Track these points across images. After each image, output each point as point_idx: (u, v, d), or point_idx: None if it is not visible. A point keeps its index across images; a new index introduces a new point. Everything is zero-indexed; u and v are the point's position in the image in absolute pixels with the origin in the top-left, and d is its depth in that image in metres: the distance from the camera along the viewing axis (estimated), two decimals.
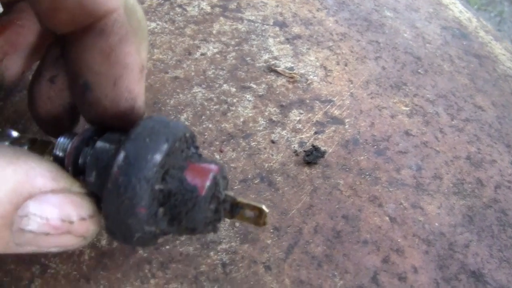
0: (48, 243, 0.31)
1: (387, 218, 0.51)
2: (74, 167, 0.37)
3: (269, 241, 0.48)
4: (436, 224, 0.52)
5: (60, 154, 0.38)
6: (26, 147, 0.42)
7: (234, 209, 0.38)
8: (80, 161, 0.37)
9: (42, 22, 0.35)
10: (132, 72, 0.37)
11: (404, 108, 0.63)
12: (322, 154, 0.53)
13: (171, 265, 0.45)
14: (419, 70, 0.70)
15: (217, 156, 0.51)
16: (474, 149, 0.62)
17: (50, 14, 0.34)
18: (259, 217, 0.38)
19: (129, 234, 0.33)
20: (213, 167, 0.35)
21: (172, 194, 0.33)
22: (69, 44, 0.37)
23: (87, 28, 0.35)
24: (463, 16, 0.88)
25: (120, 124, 0.39)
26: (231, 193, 0.37)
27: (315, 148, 0.53)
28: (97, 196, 0.34)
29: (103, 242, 0.46)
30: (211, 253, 0.46)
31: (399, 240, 0.50)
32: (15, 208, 0.29)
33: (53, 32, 0.36)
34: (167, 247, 0.46)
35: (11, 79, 0.44)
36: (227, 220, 0.48)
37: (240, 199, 0.37)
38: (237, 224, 0.48)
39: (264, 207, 0.37)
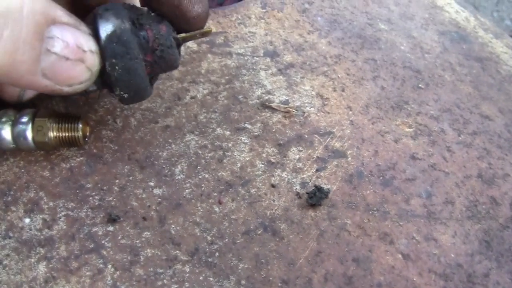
0: (65, 72, 0.37)
1: (399, 255, 0.49)
2: None
3: None
4: (452, 255, 0.50)
5: None
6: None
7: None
8: None
9: None
10: None
11: (408, 130, 0.60)
12: (326, 194, 0.50)
13: None
14: (419, 85, 0.67)
15: (217, 209, 0.49)
16: (485, 165, 0.59)
17: None
18: (205, 34, 0.47)
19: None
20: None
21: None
22: None
23: None
24: (460, 17, 0.85)
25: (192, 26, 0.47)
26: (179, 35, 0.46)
27: (318, 189, 0.50)
28: None
29: None
30: None
31: (414, 279, 0.48)
32: (46, 23, 0.35)
33: None
34: None
35: (29, 97, 0.51)
36: (232, 278, 0.46)
37: (184, 34, 0.46)
38: (243, 281, 0.46)
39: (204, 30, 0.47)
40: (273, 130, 0.56)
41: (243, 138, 0.55)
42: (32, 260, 0.46)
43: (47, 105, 0.52)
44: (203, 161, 0.52)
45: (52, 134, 0.48)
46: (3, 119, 0.47)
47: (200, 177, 0.51)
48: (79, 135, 0.48)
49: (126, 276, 0.45)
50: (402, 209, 0.52)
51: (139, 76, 0.43)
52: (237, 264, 0.47)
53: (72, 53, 0.37)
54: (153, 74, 0.46)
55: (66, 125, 0.48)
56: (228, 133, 0.55)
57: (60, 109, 0.53)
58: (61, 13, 0.36)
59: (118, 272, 0.45)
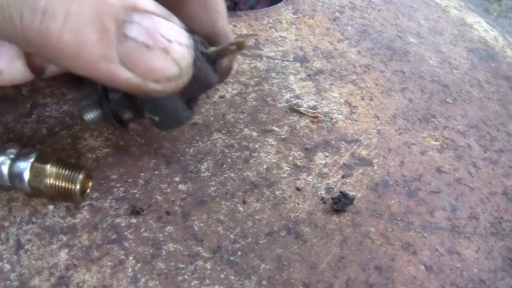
0: (146, 62, 0.34)
1: (422, 266, 0.48)
2: None
3: None
4: (475, 270, 0.49)
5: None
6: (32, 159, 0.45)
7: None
8: None
9: None
10: (224, 16, 0.46)
11: (434, 143, 0.60)
12: (351, 200, 0.50)
13: None
14: (447, 99, 0.67)
15: (241, 208, 0.49)
16: (510, 183, 0.59)
17: None
18: (240, 47, 0.42)
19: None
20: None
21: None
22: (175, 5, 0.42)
23: None
24: (488, 36, 0.85)
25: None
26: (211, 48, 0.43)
27: (343, 195, 0.50)
28: None
29: None
30: None
31: None
32: (123, 7, 0.32)
33: None
34: None
35: (52, 71, 0.48)
36: (253, 278, 0.45)
37: (216, 48, 0.42)
38: (264, 282, 0.45)
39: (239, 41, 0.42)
40: (300, 134, 0.56)
41: (270, 140, 0.55)
42: (54, 246, 0.46)
43: (55, 146, 0.50)
44: (229, 160, 0.52)
45: (48, 182, 0.45)
46: (6, 154, 0.45)
47: (225, 175, 0.51)
48: (76, 188, 0.45)
49: (147, 269, 0.45)
50: (426, 220, 0.52)
51: (166, 101, 0.41)
52: (259, 264, 0.46)
53: (153, 40, 0.33)
54: (188, 95, 0.43)
55: (66, 175, 0.45)
56: (255, 134, 0.55)
57: (69, 153, 0.50)
58: (147, 3, 0.34)
59: (139, 265, 0.45)
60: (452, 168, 0.58)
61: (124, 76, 0.34)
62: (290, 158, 0.54)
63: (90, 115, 0.47)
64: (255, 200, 0.50)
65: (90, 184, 0.48)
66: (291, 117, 0.57)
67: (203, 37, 0.43)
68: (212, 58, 0.42)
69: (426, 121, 0.62)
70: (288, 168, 0.53)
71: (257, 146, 0.54)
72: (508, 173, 0.60)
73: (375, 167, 0.55)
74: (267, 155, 0.53)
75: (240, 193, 0.50)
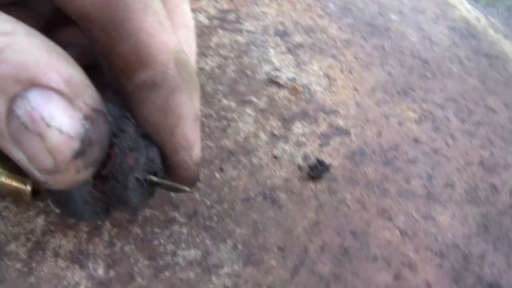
0: (25, 147, 0.28)
1: (397, 231, 0.49)
2: None
3: (273, 262, 0.46)
4: (450, 235, 0.50)
5: None
6: None
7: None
8: None
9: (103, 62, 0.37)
10: (187, 121, 0.39)
11: (412, 115, 0.60)
12: (327, 168, 0.51)
13: None
14: (427, 74, 0.67)
15: (217, 175, 0.49)
16: (487, 154, 0.59)
17: (107, 57, 0.36)
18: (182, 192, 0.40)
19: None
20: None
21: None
22: (128, 100, 0.39)
23: (141, 83, 0.37)
24: (471, 16, 0.85)
25: (181, 173, 0.40)
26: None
27: (320, 162, 0.51)
28: None
29: (100, 271, 0.44)
30: (213, 278, 0.44)
31: (410, 255, 0.48)
32: (18, 80, 0.28)
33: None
34: (167, 273, 0.44)
35: None
36: (229, 242, 0.46)
37: (157, 180, 0.38)
38: (239, 246, 0.46)
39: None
40: (279, 105, 0.56)
41: (248, 110, 0.55)
42: (31, 213, 0.46)
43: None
44: (207, 129, 0.53)
45: None
46: None
47: (203, 144, 0.51)
48: (26, 189, 0.42)
49: (123, 234, 0.46)
50: (402, 188, 0.52)
51: (72, 198, 0.36)
52: (235, 229, 0.47)
53: (31, 122, 0.27)
54: (106, 202, 0.39)
55: (17, 175, 0.42)
56: (233, 104, 0.55)
57: None
58: (53, 75, 0.28)
59: (115, 229, 0.46)
60: (430, 138, 0.58)
61: (16, 156, 0.29)
62: (268, 128, 0.54)
63: None
64: (232, 168, 0.51)
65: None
66: (270, 89, 0.57)
67: (161, 145, 0.39)
68: (144, 185, 0.38)
69: (405, 94, 0.63)
70: (265, 137, 0.53)
71: (235, 116, 0.54)
72: (485, 145, 0.61)
73: (353, 137, 0.55)
74: (245, 124, 0.54)
75: (217, 161, 0.51)
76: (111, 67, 0.37)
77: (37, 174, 0.30)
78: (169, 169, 0.40)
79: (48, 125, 0.27)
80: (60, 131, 0.28)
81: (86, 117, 0.28)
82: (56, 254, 0.44)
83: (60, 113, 0.28)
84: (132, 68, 0.37)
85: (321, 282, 0.45)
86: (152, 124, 0.39)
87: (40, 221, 0.46)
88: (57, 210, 0.39)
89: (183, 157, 0.40)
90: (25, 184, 0.43)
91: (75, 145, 0.28)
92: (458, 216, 0.52)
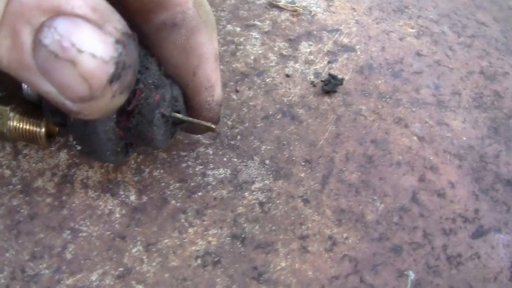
0: (55, 74, 0.27)
1: (415, 137, 0.50)
2: None
3: (302, 174, 0.46)
4: (464, 138, 0.51)
5: None
6: None
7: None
8: None
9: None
10: (208, 61, 0.39)
11: (411, 30, 0.61)
12: (340, 81, 0.51)
13: (207, 211, 0.43)
14: None
15: (234, 96, 0.49)
16: (485, 63, 0.60)
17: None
18: (209, 130, 0.39)
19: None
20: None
21: None
22: (147, 42, 0.38)
23: (161, 24, 0.37)
24: None
25: (203, 114, 0.40)
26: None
27: (332, 77, 0.51)
28: None
29: (132, 197, 0.44)
30: (246, 194, 0.45)
31: (431, 158, 0.49)
32: (40, 9, 0.26)
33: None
34: (199, 193, 0.44)
35: None
36: (256, 159, 0.46)
37: (182, 117, 0.38)
38: (266, 161, 0.46)
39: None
40: (282, 27, 0.56)
41: (253, 34, 0.55)
42: (53, 148, 0.45)
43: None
44: None
45: (11, 124, 0.41)
46: None
47: None
48: (41, 131, 0.42)
49: (149, 160, 0.45)
50: (413, 97, 0.53)
51: (96, 133, 0.36)
52: (260, 146, 0.47)
53: (60, 49, 0.27)
54: (127, 141, 0.39)
55: (30, 118, 0.42)
56: (238, 29, 0.55)
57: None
58: (78, 2, 0.27)
59: (141, 156, 0.45)
60: (431, 51, 0.59)
61: (45, 88, 0.28)
62: (276, 49, 0.54)
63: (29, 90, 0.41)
64: (247, 89, 0.50)
65: (57, 128, 0.44)
66: (271, 12, 0.57)
67: (183, 86, 0.39)
68: (168, 121, 0.38)
69: (401, 12, 0.63)
70: (275, 58, 0.53)
71: (242, 40, 0.54)
72: (482, 55, 0.62)
73: (358, 53, 0.56)
74: (252, 47, 0.54)
75: (232, 83, 0.50)
76: (128, 10, 0.36)
77: (69, 105, 0.29)
78: (190, 110, 0.40)
79: (79, 51, 0.27)
80: (94, 56, 0.27)
81: (118, 41, 0.28)
82: (85, 186, 0.44)
83: (91, 39, 0.27)
84: (150, 9, 0.37)
85: (351, 189, 0.46)
86: (173, 65, 0.39)
87: (63, 155, 0.45)
88: (78, 148, 0.38)
89: (205, 97, 0.40)
90: (39, 126, 0.42)
91: (110, 69, 0.28)
92: (469, 121, 0.53)
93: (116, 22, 0.28)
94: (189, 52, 0.38)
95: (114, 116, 0.36)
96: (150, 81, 0.36)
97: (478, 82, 0.58)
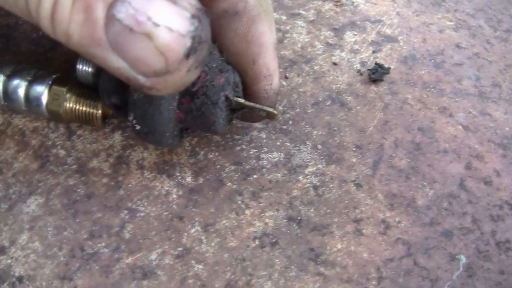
0: (130, 48, 0.27)
1: (460, 126, 0.50)
2: None
3: (354, 160, 0.47)
4: (507, 128, 0.52)
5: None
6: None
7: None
8: None
9: None
10: (268, 50, 0.39)
11: (449, 23, 0.61)
12: (388, 70, 0.51)
13: (262, 194, 0.44)
14: None
15: (284, 83, 0.50)
16: None
17: None
18: (270, 116, 0.39)
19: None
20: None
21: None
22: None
23: (222, 12, 0.38)
24: None
25: (260, 102, 0.41)
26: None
27: (379, 66, 0.51)
28: None
29: (188, 179, 0.44)
30: (300, 177, 0.45)
31: (476, 147, 0.49)
32: None
33: None
34: (255, 176, 0.45)
35: None
36: (308, 144, 0.47)
37: (244, 101, 0.39)
38: (319, 146, 0.47)
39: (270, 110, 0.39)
40: (327, 17, 0.57)
41: (299, 22, 0.55)
42: (107, 130, 0.46)
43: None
44: None
45: (68, 105, 0.42)
46: (21, 76, 0.42)
47: None
48: (97, 113, 0.43)
49: (204, 142, 0.46)
50: (456, 88, 0.53)
51: (160, 112, 0.36)
52: (311, 131, 0.47)
53: (136, 23, 0.27)
54: (185, 124, 0.39)
55: (86, 99, 0.43)
56: (284, 17, 0.55)
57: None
58: None
59: (195, 139, 0.46)
60: (469, 44, 0.60)
61: (116, 64, 0.29)
62: (322, 37, 0.54)
63: (84, 67, 0.42)
64: (296, 75, 0.51)
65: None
66: (315, 2, 0.58)
67: (242, 74, 0.39)
68: (231, 106, 0.38)
69: (438, 5, 0.64)
70: (321, 46, 0.54)
71: (288, 28, 0.54)
72: None
73: (401, 43, 0.56)
74: (299, 35, 0.54)
75: (281, 70, 0.51)
76: None
77: (142, 80, 0.29)
78: (248, 98, 0.40)
79: (156, 25, 0.27)
80: (170, 29, 0.27)
81: (194, 16, 0.28)
82: (141, 167, 0.44)
83: (167, 13, 0.27)
84: None
85: (401, 175, 0.46)
86: (234, 53, 0.39)
87: (118, 136, 0.45)
88: (137, 127, 0.38)
89: (264, 86, 0.40)
90: (95, 108, 0.42)
91: (187, 42, 0.27)
92: (510, 112, 0.54)
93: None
94: (250, 41, 0.39)
95: (177, 97, 0.36)
96: (214, 65, 0.37)
97: None
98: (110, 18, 0.27)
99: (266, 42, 0.39)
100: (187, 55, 0.28)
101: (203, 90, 0.36)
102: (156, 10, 0.27)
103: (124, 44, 0.27)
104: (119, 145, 0.45)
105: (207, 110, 0.37)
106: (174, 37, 0.27)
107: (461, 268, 0.43)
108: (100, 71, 0.40)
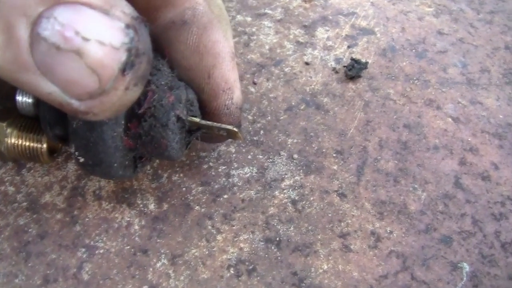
0: (58, 69, 0.24)
1: (449, 119, 0.46)
2: None
3: (335, 167, 0.42)
4: (501, 116, 0.47)
5: None
6: None
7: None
8: None
9: None
10: (224, 60, 0.35)
11: (428, 9, 0.57)
12: (365, 65, 0.47)
13: (235, 215, 0.39)
14: None
15: (252, 89, 0.46)
16: (509, 38, 0.57)
17: None
18: (231, 136, 0.35)
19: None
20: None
21: None
22: (156, 44, 0.33)
23: (169, 23, 0.34)
24: None
25: (221, 120, 0.36)
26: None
27: (356, 61, 0.47)
28: None
29: (151, 206, 0.40)
30: (276, 193, 0.41)
31: (469, 139, 0.45)
32: (40, 3, 0.23)
33: None
34: (225, 196, 0.40)
35: None
36: (283, 154, 0.42)
37: (199, 121, 0.34)
38: (295, 156, 0.42)
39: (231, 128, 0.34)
40: (296, 14, 0.52)
41: (266, 23, 0.51)
42: (59, 159, 0.41)
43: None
44: None
45: (9, 141, 0.37)
46: None
47: None
48: (42, 147, 0.37)
49: (167, 163, 0.42)
50: (442, 77, 0.49)
51: (103, 140, 0.31)
52: (286, 140, 0.43)
53: (63, 39, 0.23)
54: (137, 152, 0.34)
55: (29, 133, 0.37)
56: (249, 19, 0.51)
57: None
58: None
59: (157, 161, 0.42)
60: (452, 30, 0.55)
61: (45, 89, 0.25)
62: (291, 36, 0.50)
63: (24, 98, 0.35)
64: (265, 80, 0.47)
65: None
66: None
67: (198, 90, 0.35)
68: (190, 128, 0.34)
69: None
70: (291, 46, 0.50)
71: (254, 29, 0.50)
72: (505, 31, 0.58)
73: (378, 35, 0.52)
74: (266, 36, 0.50)
75: (248, 75, 0.47)
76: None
77: (75, 104, 0.25)
78: (207, 117, 0.36)
79: (85, 39, 0.23)
80: (102, 43, 0.23)
81: (128, 26, 0.24)
82: (98, 197, 0.40)
83: (97, 25, 0.23)
84: (156, 7, 0.34)
85: (389, 179, 0.42)
86: (186, 68, 0.35)
87: (71, 166, 0.41)
88: (81, 160, 0.32)
89: (224, 101, 0.36)
90: (39, 142, 0.37)
91: (122, 56, 0.24)
92: (502, 98, 0.49)
93: (123, 7, 0.24)
94: (202, 52, 0.35)
95: (123, 122, 0.32)
96: (162, 83, 0.32)
97: (505, 57, 0.54)
98: (35, 37, 0.23)
99: (221, 51, 0.35)
100: (123, 71, 0.24)
101: (151, 111, 0.32)
102: (85, 23, 0.23)
103: (52, 65, 0.24)
104: (74, 175, 0.41)
105: (157, 133, 0.32)
106: (107, 51, 0.24)
107: (465, 278, 0.38)
108: (39, 100, 0.35)
